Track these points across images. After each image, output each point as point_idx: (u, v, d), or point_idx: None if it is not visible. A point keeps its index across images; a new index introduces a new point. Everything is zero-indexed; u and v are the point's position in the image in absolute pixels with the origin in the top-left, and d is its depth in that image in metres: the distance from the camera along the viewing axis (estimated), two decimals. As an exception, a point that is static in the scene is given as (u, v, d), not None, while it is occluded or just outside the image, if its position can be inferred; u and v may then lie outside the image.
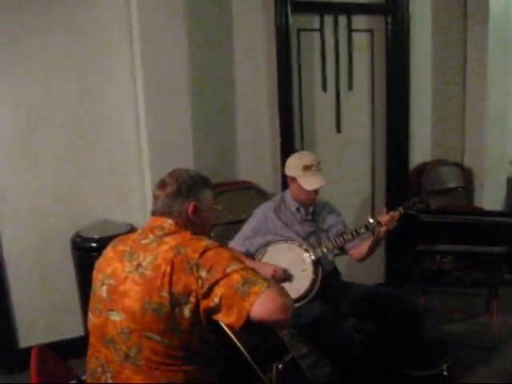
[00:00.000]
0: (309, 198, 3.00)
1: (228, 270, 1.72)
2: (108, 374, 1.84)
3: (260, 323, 1.69)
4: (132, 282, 1.80)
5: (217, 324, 1.75)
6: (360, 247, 3.08)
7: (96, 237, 3.34)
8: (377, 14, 4.30)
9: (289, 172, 3.03)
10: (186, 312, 1.73)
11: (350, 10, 4.18)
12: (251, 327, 1.70)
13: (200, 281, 1.72)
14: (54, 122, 3.41)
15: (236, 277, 1.71)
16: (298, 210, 3.07)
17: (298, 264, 2.91)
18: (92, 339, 1.93)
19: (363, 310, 2.97)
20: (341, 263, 3.35)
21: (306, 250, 2.92)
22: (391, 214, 2.86)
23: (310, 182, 2.94)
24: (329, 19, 4.13)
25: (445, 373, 3.09)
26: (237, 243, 3.06)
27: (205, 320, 1.75)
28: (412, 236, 3.83)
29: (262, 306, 1.65)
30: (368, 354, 3.02)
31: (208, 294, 1.71)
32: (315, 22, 4.09)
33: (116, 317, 1.82)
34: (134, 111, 3.49)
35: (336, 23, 4.15)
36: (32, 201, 3.45)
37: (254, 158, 3.95)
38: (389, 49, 4.36)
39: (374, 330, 3.04)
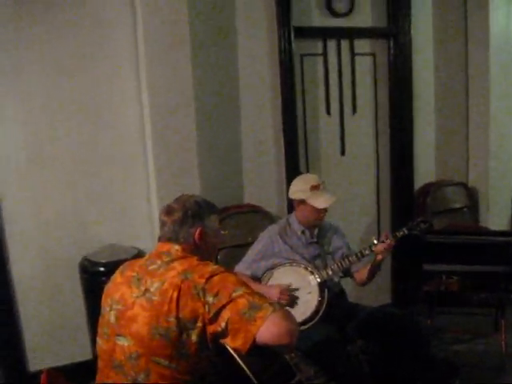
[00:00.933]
0: (318, 217, 3.03)
1: (234, 295, 1.76)
2: (117, 399, 1.86)
3: (266, 347, 1.72)
4: (139, 307, 1.84)
5: (224, 348, 1.78)
6: (361, 272, 3.10)
7: (104, 261, 3.38)
8: (379, 37, 4.36)
9: (296, 195, 3.06)
10: (193, 337, 1.77)
11: (353, 35, 4.24)
12: (257, 351, 1.73)
13: (207, 306, 1.76)
14: (63, 147, 3.48)
15: (242, 301, 1.74)
16: (303, 232, 3.10)
17: (303, 286, 2.93)
18: (100, 364, 1.96)
19: (370, 331, 2.98)
20: (347, 284, 3.36)
21: (312, 273, 2.95)
22: (387, 242, 2.87)
23: (320, 201, 2.97)
24: (332, 44, 4.19)
25: (454, 394, 3.10)
26: (243, 267, 3.09)
27: (212, 344, 1.79)
28: (418, 256, 3.85)
29: (267, 330, 1.69)
30: (375, 376, 3.03)
31: (215, 318, 1.75)
32: (318, 46, 4.16)
33: (124, 342, 1.85)
34: (141, 137, 3.54)
35: (339, 47, 4.22)
36: (40, 225, 3.50)
37: (259, 181, 3.99)
38: (391, 72, 4.42)
39: (381, 351, 3.04)
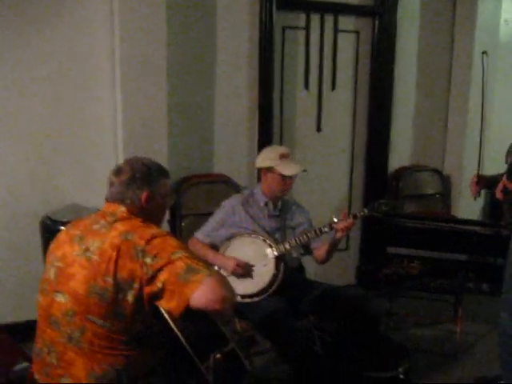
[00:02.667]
0: (284, 187, 3.01)
1: (173, 257, 1.75)
2: (52, 355, 1.86)
3: (200, 312, 1.71)
4: (79, 265, 1.84)
5: (159, 310, 1.77)
6: (321, 249, 3.09)
7: (65, 220, 3.33)
8: (364, 15, 4.31)
9: (263, 163, 3.03)
10: (130, 297, 1.76)
11: (337, 10, 4.19)
12: (192, 316, 1.72)
13: (145, 267, 1.75)
14: (29, 103, 3.41)
15: (180, 264, 1.74)
16: (266, 204, 3.08)
17: (260, 258, 2.92)
18: (39, 319, 1.96)
19: (323, 308, 2.98)
20: (313, 262, 3.36)
21: (270, 246, 2.93)
22: (346, 221, 2.87)
23: (288, 169, 2.96)
24: (315, 18, 4.13)
25: (401, 376, 3.11)
26: (202, 234, 3.07)
27: (148, 306, 1.78)
28: (383, 239, 3.86)
29: (201, 294, 1.68)
30: (327, 352, 3.04)
31: (152, 279, 1.74)
32: (301, 20, 4.10)
33: (61, 298, 1.85)
34: (111, 98, 3.48)
35: (322, 22, 4.16)
36: (7, 179, 3.45)
37: (230, 152, 3.96)
38: (374, 51, 4.38)
39: (334, 328, 3.06)
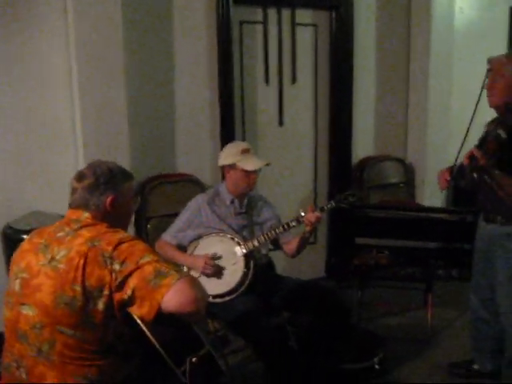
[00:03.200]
0: (249, 183, 2.98)
1: (141, 262, 1.71)
2: (22, 369, 1.80)
3: (172, 316, 1.68)
4: (44, 275, 1.77)
5: (131, 317, 1.72)
6: (291, 243, 3.08)
7: (27, 228, 3.22)
8: (321, 8, 4.31)
9: (226, 160, 3.00)
10: (100, 305, 1.71)
11: (294, 4, 4.17)
12: (165, 320, 1.68)
13: (114, 273, 1.70)
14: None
15: (149, 268, 1.69)
16: (232, 202, 3.05)
17: (229, 257, 2.89)
18: (6, 333, 1.89)
19: (295, 303, 2.98)
20: (282, 257, 3.34)
21: (238, 243, 2.90)
22: (314, 214, 2.86)
23: (251, 164, 2.93)
24: (272, 12, 4.11)
25: (376, 366, 3.14)
26: (169, 236, 3.02)
27: (119, 313, 1.74)
28: (351, 230, 3.87)
29: (172, 297, 1.64)
30: (302, 347, 3.04)
31: (121, 286, 1.69)
32: (258, 14, 4.07)
33: (28, 311, 1.78)
34: (69, 100, 3.39)
35: (280, 16, 4.14)
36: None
37: (193, 150, 3.89)
38: (333, 44, 4.38)
39: (308, 323, 3.05)
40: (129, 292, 1.68)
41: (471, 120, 2.68)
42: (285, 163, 4.38)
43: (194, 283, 1.72)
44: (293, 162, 4.45)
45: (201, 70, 3.81)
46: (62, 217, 3.28)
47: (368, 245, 3.83)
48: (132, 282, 1.68)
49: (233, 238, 2.92)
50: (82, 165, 3.35)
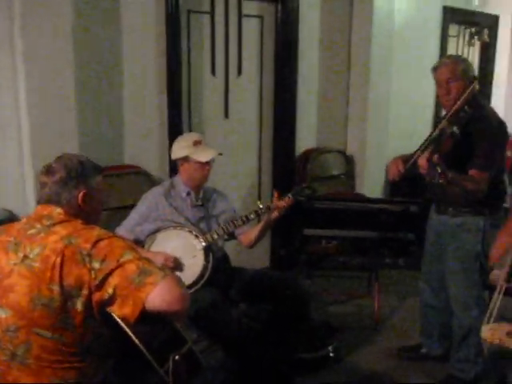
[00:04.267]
0: (203, 174, 2.97)
1: (122, 260, 1.66)
2: (-6, 375, 1.71)
3: (155, 314, 1.64)
4: (18, 275, 1.68)
5: (110, 317, 1.67)
6: (249, 233, 3.09)
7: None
8: (267, 0, 4.30)
9: (178, 153, 2.97)
10: (79, 305, 1.65)
11: (241, -5, 4.15)
12: (146, 319, 1.64)
13: (93, 272, 1.64)
14: None
15: (131, 267, 1.65)
16: (188, 194, 3.02)
17: (188, 251, 2.86)
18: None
19: (253, 294, 3.00)
20: (226, 248, 3.34)
21: (196, 237, 2.87)
22: (284, 200, 2.89)
23: (204, 154, 2.93)
24: (220, 2, 4.06)
25: (331, 354, 3.21)
26: (125, 230, 2.94)
27: (98, 313, 1.68)
28: (299, 221, 3.91)
29: (158, 296, 1.61)
30: (258, 338, 3.05)
31: (101, 285, 1.64)
32: (206, 3, 4.01)
33: (1, 313, 1.69)
34: (13, 89, 3.22)
35: (227, 7, 4.10)
36: None
37: (141, 142, 3.77)
38: (278, 36, 4.39)
39: (264, 314, 3.07)
40: (110, 291, 1.63)
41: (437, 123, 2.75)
42: (230, 155, 4.36)
43: (179, 281, 1.70)
44: (238, 153, 4.43)
45: (149, 61, 3.70)
46: (7, 211, 3.21)
47: (316, 236, 3.90)
48: (113, 281, 1.63)
49: (191, 231, 2.89)
50: (27, 158, 3.21)
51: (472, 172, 2.70)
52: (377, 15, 4.64)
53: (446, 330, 3.22)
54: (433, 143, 2.69)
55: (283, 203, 2.90)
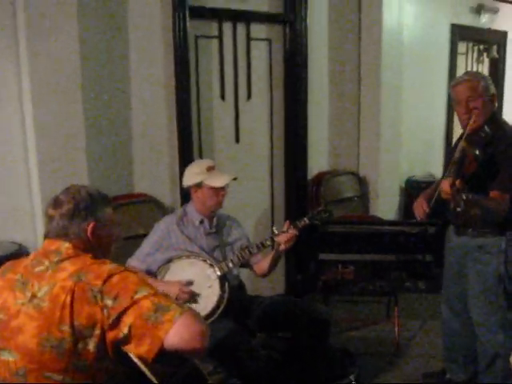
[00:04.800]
0: (217, 200, 2.90)
1: (136, 297, 1.57)
2: (2, 421, 1.62)
3: (174, 352, 1.55)
4: (26, 316, 1.60)
5: (126, 355, 1.58)
6: (262, 263, 3.01)
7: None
8: (275, 23, 4.27)
9: (191, 180, 2.90)
10: (91, 346, 1.56)
11: (249, 18, 4.11)
12: (164, 356, 1.55)
13: (105, 310, 1.55)
14: None
15: (146, 304, 1.56)
16: (201, 222, 2.94)
17: (203, 280, 2.77)
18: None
19: (271, 323, 2.91)
20: (241, 276, 3.25)
21: (211, 265, 2.79)
22: (289, 232, 2.81)
23: (219, 180, 2.87)
24: (227, 26, 4.03)
25: (353, 382, 3.09)
26: (137, 260, 2.86)
27: (112, 353, 1.58)
28: (313, 246, 3.82)
29: (177, 333, 1.52)
30: (277, 369, 2.95)
31: (116, 324, 1.55)
32: (214, 28, 3.98)
33: (8, 356, 1.61)
34: (21, 122, 3.18)
35: (235, 31, 4.07)
36: None
37: (151, 169, 3.73)
38: (287, 59, 4.35)
39: (283, 343, 2.98)
40: (125, 330, 1.54)
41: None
42: (242, 180, 4.27)
43: (198, 316, 1.60)
44: (249, 178, 4.35)
45: (158, 87, 3.66)
46: (16, 244, 3.15)
47: (332, 260, 3.81)
48: (128, 319, 1.54)
49: (205, 260, 2.81)
50: (36, 190, 3.16)
51: (494, 194, 2.60)
52: (386, 34, 4.57)
53: (471, 354, 3.10)
54: (454, 166, 2.56)
55: (286, 236, 2.80)
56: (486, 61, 6.23)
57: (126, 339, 1.55)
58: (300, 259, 4.29)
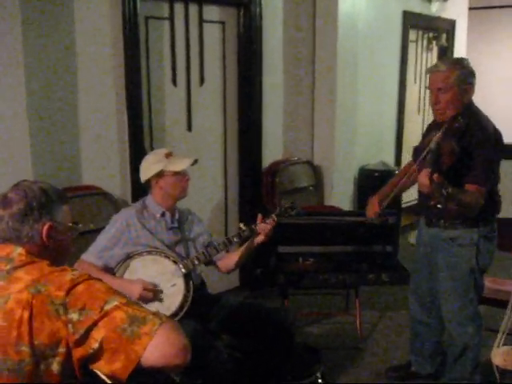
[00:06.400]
0: (182, 188, 2.73)
1: (107, 308, 1.38)
2: None
3: (149, 369, 1.37)
4: None
5: (96, 375, 1.39)
6: (228, 258, 2.85)
7: None
8: (229, 5, 4.08)
9: (150, 171, 2.69)
10: (55, 366, 1.37)
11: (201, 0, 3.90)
12: (139, 375, 1.38)
13: (70, 325, 1.36)
14: None
15: (119, 315, 1.38)
16: (162, 215, 2.73)
17: (166, 278, 2.58)
18: None
19: (234, 326, 2.74)
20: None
21: (175, 262, 2.60)
22: (268, 221, 2.67)
23: (180, 163, 2.70)
24: (179, 7, 3.80)
25: (320, 380, 2.98)
26: (93, 256, 2.61)
27: (79, 372, 1.39)
28: (272, 238, 3.68)
29: (157, 349, 1.35)
30: (242, 370, 2.80)
31: (83, 339, 1.36)
32: (165, 9, 3.74)
33: None
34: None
35: (187, 12, 3.84)
36: None
37: (99, 160, 3.46)
38: (241, 43, 4.17)
39: (247, 345, 2.82)
40: (95, 346, 1.35)
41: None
42: (194, 171, 4.08)
43: (178, 329, 1.43)
44: (202, 168, 4.15)
45: (106, 72, 3.39)
46: None
47: (292, 253, 3.68)
48: (98, 334, 1.35)
49: (168, 257, 2.61)
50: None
51: (471, 187, 2.52)
52: (341, 18, 4.45)
53: (438, 347, 3.07)
54: (430, 157, 2.43)
55: (268, 226, 2.68)
56: (435, 49, 6.25)
57: (96, 356, 1.37)
58: (258, 253, 4.13)
